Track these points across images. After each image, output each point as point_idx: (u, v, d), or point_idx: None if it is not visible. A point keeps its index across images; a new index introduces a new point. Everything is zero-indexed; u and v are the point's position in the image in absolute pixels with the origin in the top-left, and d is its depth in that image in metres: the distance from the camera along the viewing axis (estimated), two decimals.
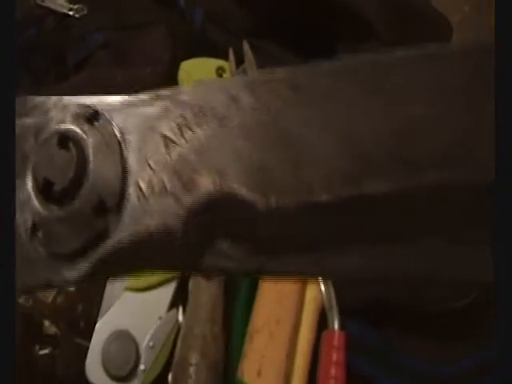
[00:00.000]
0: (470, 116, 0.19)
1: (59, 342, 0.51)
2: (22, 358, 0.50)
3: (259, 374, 0.49)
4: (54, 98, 0.19)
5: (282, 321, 0.51)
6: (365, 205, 0.18)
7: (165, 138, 0.18)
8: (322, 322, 0.52)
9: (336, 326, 0.51)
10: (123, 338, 0.50)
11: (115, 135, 0.18)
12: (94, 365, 0.49)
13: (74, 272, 0.16)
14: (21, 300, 0.52)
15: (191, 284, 0.53)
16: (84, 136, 0.17)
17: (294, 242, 0.19)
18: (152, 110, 0.19)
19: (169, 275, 0.53)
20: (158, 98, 0.19)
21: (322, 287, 0.52)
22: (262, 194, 0.17)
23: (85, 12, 0.67)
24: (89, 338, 0.50)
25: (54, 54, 0.67)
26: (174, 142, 0.18)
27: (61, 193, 0.16)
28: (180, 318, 0.52)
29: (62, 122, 0.18)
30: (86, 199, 0.16)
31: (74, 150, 0.17)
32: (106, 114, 0.18)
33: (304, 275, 0.41)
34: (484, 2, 1.20)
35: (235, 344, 0.51)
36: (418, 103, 0.18)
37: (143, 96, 0.19)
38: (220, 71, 0.65)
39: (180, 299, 0.53)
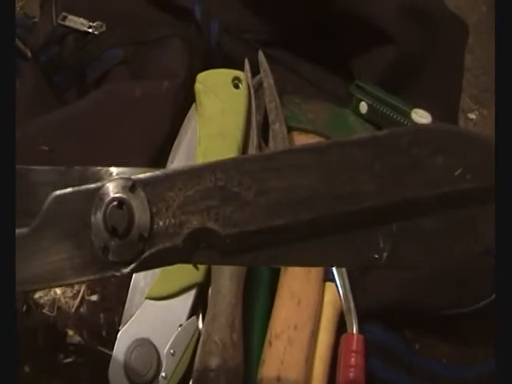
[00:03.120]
0: None
1: (82, 351, 0.52)
2: (46, 367, 0.51)
3: (278, 379, 0.49)
4: (104, 170, 0.32)
5: (301, 326, 0.51)
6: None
7: None
8: (341, 326, 0.52)
9: (354, 330, 0.51)
10: (145, 346, 0.51)
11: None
12: (116, 373, 0.50)
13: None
14: (45, 310, 0.53)
15: (210, 292, 0.53)
16: (130, 201, 0.29)
17: None
18: None
19: (188, 283, 0.54)
20: None
21: (340, 290, 0.53)
22: None
23: (103, 29, 0.69)
24: (111, 346, 0.51)
25: (75, 72, 0.69)
26: None
27: (121, 233, 0.29)
28: (200, 325, 0.53)
29: (116, 192, 0.30)
30: (134, 235, 0.29)
31: (126, 209, 0.29)
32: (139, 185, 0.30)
33: None
34: None
35: (254, 350, 0.51)
36: None
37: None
38: (236, 81, 0.66)
39: (200, 307, 0.54)
